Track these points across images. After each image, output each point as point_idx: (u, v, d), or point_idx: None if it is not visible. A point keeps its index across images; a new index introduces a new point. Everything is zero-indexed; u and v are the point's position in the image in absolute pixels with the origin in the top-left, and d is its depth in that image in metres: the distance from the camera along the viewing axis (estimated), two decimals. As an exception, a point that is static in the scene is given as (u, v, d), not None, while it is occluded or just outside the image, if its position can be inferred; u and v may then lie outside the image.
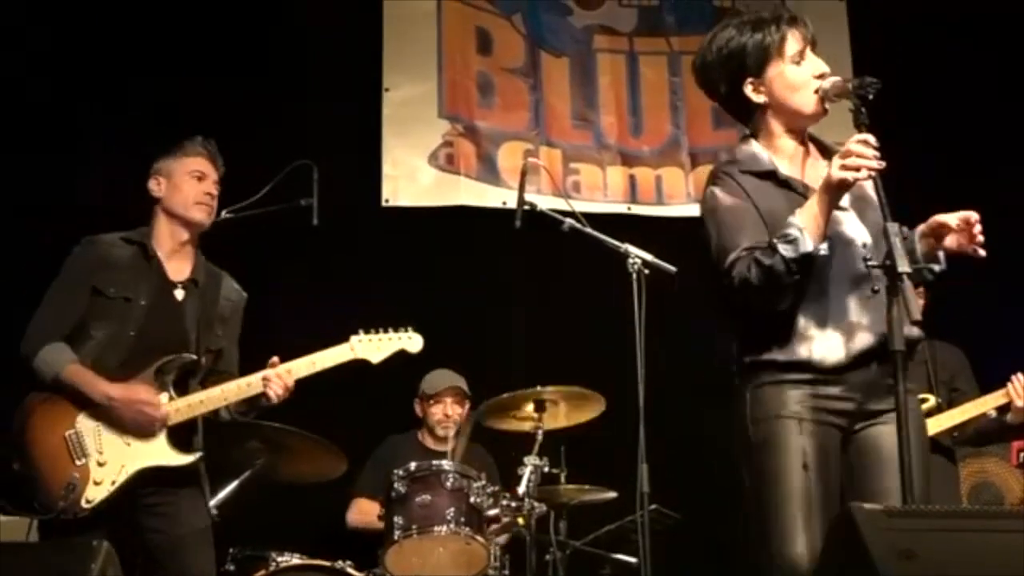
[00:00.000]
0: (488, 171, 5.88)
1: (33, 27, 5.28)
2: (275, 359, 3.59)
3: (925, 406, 4.22)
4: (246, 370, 3.70)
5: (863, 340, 2.68)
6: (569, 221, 4.14)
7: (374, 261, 5.48)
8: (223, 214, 3.93)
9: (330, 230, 4.09)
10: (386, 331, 3.79)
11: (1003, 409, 4.35)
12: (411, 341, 3.82)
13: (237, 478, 4.10)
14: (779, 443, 2.70)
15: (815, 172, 2.84)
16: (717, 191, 2.85)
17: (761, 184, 2.83)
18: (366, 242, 5.54)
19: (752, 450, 2.75)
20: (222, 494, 4.03)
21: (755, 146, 2.90)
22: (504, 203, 5.61)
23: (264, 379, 3.54)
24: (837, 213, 2.73)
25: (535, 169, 5.30)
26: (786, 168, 2.86)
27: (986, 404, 4.33)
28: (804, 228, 2.63)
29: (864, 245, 2.75)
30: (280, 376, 3.53)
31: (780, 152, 2.89)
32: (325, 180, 4.02)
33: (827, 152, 2.90)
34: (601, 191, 5.98)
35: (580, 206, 4.75)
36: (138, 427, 3.40)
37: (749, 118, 2.95)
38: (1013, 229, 5.23)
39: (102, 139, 5.18)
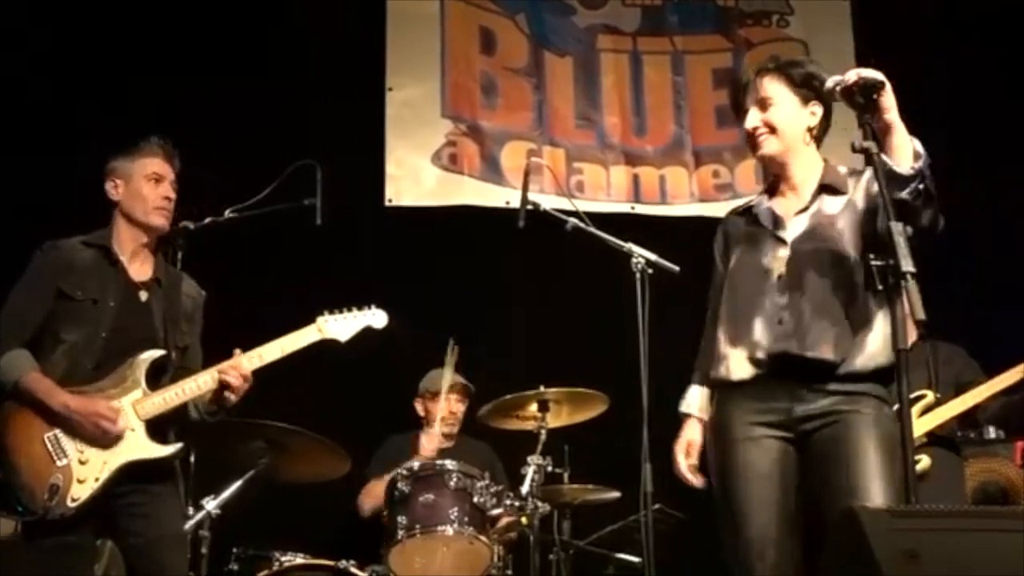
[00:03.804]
0: (491, 171, 5.87)
1: (33, 27, 5.28)
2: (237, 350, 3.57)
3: (923, 402, 4.19)
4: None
5: (762, 356, 2.92)
6: (573, 221, 4.13)
7: (377, 261, 5.47)
8: (227, 213, 3.94)
9: (334, 230, 4.08)
10: (350, 310, 3.77)
11: (1010, 392, 4.25)
12: (375, 317, 3.80)
13: (241, 477, 4.11)
14: (723, 465, 2.98)
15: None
16: None
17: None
18: (369, 242, 5.54)
19: (710, 472, 3.06)
20: (226, 493, 4.04)
21: None
22: (507, 203, 5.59)
23: (220, 371, 3.52)
24: (768, 245, 3.00)
25: (538, 169, 5.29)
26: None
27: (998, 384, 4.21)
28: None
29: (779, 277, 2.94)
30: (235, 366, 3.52)
31: None
32: (329, 180, 4.02)
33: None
34: (604, 191, 5.98)
35: (583, 206, 4.74)
36: (96, 439, 3.36)
37: None
38: (1015, 227, 5.23)
39: (102, 139, 5.16)
